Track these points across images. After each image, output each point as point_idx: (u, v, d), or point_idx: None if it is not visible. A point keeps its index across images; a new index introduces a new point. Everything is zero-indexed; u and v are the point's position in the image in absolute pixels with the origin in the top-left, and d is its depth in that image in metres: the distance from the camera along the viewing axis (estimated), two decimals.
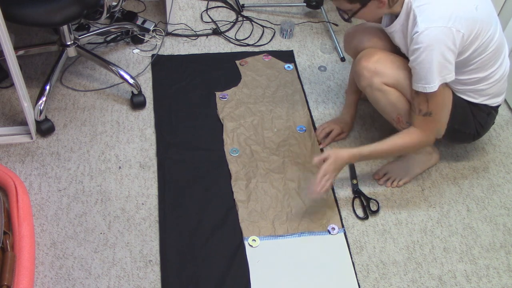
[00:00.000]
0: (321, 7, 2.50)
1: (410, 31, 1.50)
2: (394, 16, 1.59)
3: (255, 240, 1.62)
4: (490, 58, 1.56)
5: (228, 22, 2.48)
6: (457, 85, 1.63)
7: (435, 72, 1.47)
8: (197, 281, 1.53)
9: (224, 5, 2.58)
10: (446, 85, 1.56)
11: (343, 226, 1.70)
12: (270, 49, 2.36)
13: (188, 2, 2.57)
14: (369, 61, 1.63)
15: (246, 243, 1.62)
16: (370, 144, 1.63)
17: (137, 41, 2.31)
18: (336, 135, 1.94)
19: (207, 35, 2.41)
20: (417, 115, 1.57)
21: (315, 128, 2.00)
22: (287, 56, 2.32)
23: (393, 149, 1.63)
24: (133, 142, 1.91)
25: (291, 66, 2.26)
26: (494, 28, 1.54)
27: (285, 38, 2.42)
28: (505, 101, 2.19)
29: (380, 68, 1.61)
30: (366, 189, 1.81)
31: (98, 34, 2.20)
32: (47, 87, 1.90)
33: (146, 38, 2.33)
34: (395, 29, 1.59)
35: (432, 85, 1.48)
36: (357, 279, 1.56)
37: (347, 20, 1.58)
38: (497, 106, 1.72)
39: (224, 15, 2.53)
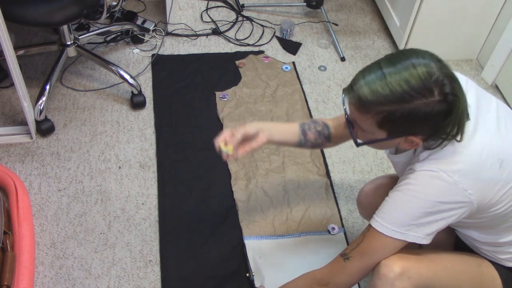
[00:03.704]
0: (321, 7, 2.50)
1: (409, 164, 1.16)
2: None
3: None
4: None
5: (228, 22, 2.48)
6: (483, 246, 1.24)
7: (397, 217, 1.12)
8: (197, 281, 1.53)
9: (224, 5, 2.57)
10: (402, 244, 1.15)
11: (343, 226, 1.70)
12: (270, 49, 2.36)
13: (188, 2, 2.57)
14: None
15: (246, 242, 1.62)
16: None
17: (137, 41, 2.31)
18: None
19: (207, 35, 2.40)
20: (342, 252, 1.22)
21: None
22: (295, 48, 2.34)
23: None
24: (133, 142, 1.91)
25: (289, 67, 2.25)
26: None
27: (285, 38, 2.42)
28: None
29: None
30: None
31: (98, 34, 2.20)
32: (47, 87, 1.90)
33: (146, 38, 2.33)
34: (400, 160, 1.25)
35: (381, 224, 1.13)
36: None
37: (359, 145, 1.17)
38: None
39: (224, 15, 2.53)
